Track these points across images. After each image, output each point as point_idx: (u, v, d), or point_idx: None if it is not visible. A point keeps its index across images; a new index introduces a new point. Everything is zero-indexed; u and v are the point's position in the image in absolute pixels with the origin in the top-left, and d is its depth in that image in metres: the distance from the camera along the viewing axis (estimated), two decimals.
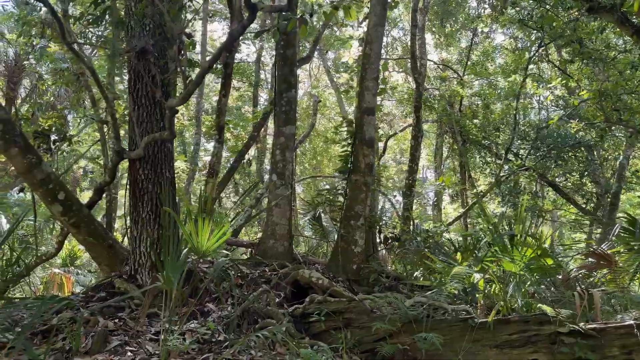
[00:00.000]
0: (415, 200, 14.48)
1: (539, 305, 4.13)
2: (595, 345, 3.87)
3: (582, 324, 3.99)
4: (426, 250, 6.34)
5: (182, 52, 4.72)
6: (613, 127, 11.69)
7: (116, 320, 4.71)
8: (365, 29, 7.44)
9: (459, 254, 5.91)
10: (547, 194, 16.25)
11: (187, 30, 5.13)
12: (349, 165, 7.31)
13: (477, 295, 5.10)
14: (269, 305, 5.33)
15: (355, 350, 4.64)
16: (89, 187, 19.27)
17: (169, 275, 4.12)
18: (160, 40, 5.18)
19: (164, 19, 4.86)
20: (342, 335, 4.61)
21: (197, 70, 7.49)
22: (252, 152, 17.60)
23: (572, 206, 14.25)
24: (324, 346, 4.37)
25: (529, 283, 5.04)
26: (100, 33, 8.26)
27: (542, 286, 5.39)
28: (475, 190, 14.23)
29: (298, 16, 4.63)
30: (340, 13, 5.53)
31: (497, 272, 5.25)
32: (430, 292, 4.96)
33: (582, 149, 12.31)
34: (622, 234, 6.38)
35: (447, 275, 4.79)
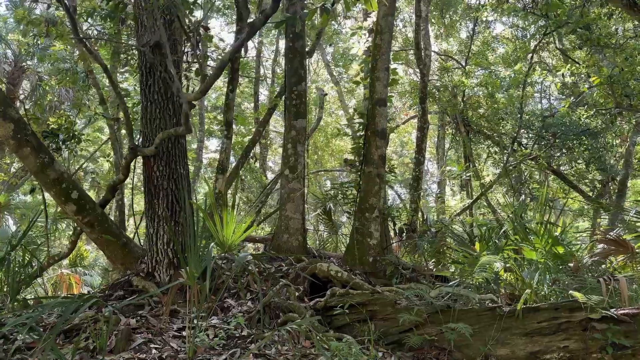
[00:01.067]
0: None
1: (570, 292, 4.08)
2: (629, 331, 3.82)
3: (614, 309, 3.95)
4: (446, 240, 6.29)
5: (200, 45, 4.64)
6: (619, 114, 11.66)
7: (137, 318, 4.66)
8: (374, 19, 7.37)
9: (477, 243, 5.86)
10: (551, 182, 16.23)
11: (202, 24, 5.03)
12: (361, 158, 7.25)
13: (500, 284, 5.06)
14: (290, 299, 5.29)
15: (380, 342, 4.59)
16: (89, 188, 19.13)
17: (193, 271, 4.07)
18: (173, 35, 5.10)
19: (177, 12, 4.77)
20: (366, 328, 4.56)
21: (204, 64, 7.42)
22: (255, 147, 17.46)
23: (577, 194, 14.23)
24: (350, 339, 4.32)
25: (551, 270, 5.01)
26: (101, 29, 8.13)
27: (563, 274, 5.35)
28: (482, 181, 14.19)
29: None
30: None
31: (517, 261, 5.22)
32: (453, 282, 4.91)
33: (587, 136, 12.27)
34: (635, 219, 6.35)
35: (471, 265, 4.74)
